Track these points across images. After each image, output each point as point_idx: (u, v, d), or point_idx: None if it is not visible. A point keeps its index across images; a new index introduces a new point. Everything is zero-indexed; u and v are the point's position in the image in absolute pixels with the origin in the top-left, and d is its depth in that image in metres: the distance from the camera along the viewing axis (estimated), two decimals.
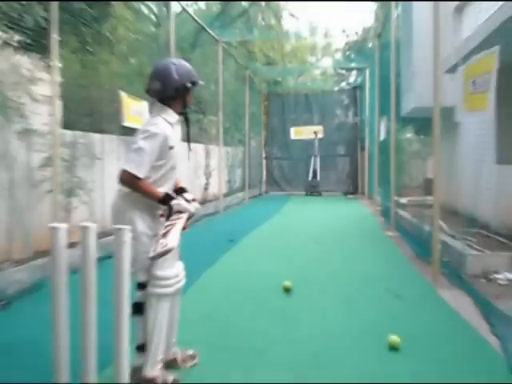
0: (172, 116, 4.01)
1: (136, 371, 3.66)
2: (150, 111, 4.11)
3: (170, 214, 3.81)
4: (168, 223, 3.74)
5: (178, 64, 4.02)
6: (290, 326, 5.07)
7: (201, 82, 4.13)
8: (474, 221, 9.97)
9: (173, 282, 3.89)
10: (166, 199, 3.79)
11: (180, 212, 3.81)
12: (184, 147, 4.15)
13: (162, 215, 3.89)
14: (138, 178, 3.67)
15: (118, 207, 3.89)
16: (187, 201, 3.96)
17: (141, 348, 3.75)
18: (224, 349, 4.49)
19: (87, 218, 8.97)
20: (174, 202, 3.80)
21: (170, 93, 3.96)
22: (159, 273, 3.81)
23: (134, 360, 3.63)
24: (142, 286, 3.78)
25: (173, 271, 3.92)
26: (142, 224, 3.81)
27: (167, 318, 3.91)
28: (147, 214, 3.85)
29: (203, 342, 4.58)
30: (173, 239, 3.61)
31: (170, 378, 3.80)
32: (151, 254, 3.56)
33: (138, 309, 3.74)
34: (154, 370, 3.74)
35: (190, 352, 4.23)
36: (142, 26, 13.24)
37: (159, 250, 3.54)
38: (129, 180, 3.68)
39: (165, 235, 3.65)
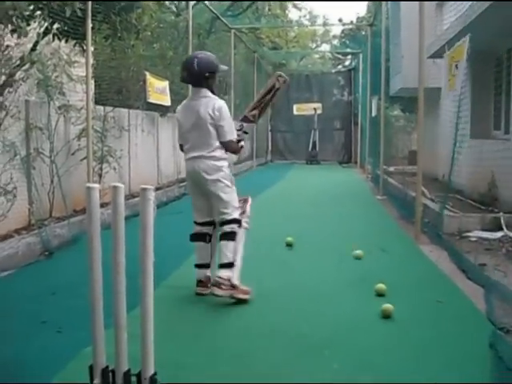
0: None
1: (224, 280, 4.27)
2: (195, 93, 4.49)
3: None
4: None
5: (199, 57, 4.43)
6: (291, 276, 5.11)
7: (223, 68, 4.59)
8: (451, 187, 9.96)
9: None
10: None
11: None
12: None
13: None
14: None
15: (216, 167, 4.38)
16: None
17: (230, 265, 4.32)
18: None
19: (116, 181, 9.00)
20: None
21: (193, 80, 4.45)
22: (248, 213, 4.61)
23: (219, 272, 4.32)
24: (236, 221, 4.41)
25: None
26: (232, 177, 4.53)
27: None
28: (230, 170, 4.54)
29: None
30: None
31: (245, 288, 4.33)
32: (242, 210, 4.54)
33: (233, 237, 4.39)
34: (237, 280, 4.30)
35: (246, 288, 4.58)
36: (164, 15, 13.10)
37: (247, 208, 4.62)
38: (235, 145, 4.48)
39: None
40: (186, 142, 4.51)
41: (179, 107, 4.64)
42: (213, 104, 4.36)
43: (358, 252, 5.80)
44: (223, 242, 4.38)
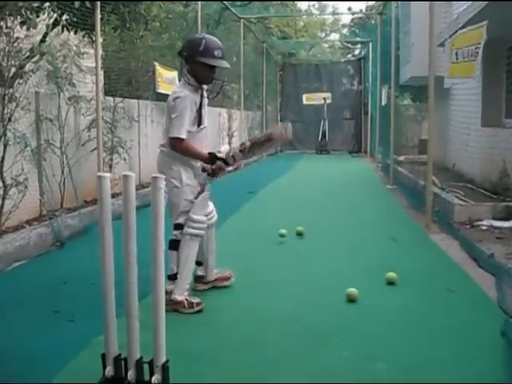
0: None
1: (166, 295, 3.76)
2: None
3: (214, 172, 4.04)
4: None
5: (198, 37, 4.09)
6: (302, 264, 5.11)
7: (220, 63, 3.98)
8: (462, 176, 9.91)
9: (203, 226, 4.04)
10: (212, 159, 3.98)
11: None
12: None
13: (203, 169, 4.04)
14: None
15: (165, 162, 3.98)
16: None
17: (172, 277, 3.91)
18: (244, 284, 4.55)
19: (127, 171, 9.03)
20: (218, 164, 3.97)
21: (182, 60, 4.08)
22: (194, 216, 3.96)
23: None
24: (179, 226, 3.96)
25: (206, 211, 4.12)
26: (185, 176, 3.95)
27: (196, 254, 4.06)
28: (189, 168, 3.99)
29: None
30: None
31: (196, 300, 3.92)
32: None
33: (175, 245, 3.95)
34: (180, 296, 3.88)
35: (227, 273, 4.45)
36: (172, 5, 13.07)
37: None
38: (179, 145, 3.90)
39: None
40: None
41: None
42: (174, 92, 4.01)
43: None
44: (168, 251, 3.83)
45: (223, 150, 4.04)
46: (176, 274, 3.92)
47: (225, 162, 3.97)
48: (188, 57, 3.95)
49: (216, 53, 3.93)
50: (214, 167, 4.00)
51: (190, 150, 3.92)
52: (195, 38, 4.15)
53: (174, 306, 3.81)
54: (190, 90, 3.95)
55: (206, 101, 4.14)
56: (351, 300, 4.04)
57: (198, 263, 4.28)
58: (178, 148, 3.89)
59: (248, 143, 4.03)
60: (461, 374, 2.89)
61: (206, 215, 4.11)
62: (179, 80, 10.54)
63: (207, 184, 4.18)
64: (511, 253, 5.36)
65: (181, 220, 3.97)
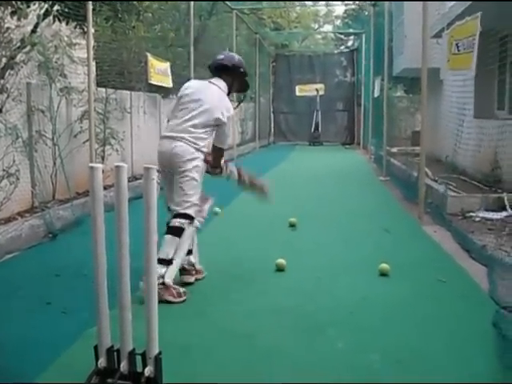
0: None
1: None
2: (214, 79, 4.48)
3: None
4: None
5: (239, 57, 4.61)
6: (295, 256, 5.11)
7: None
8: (454, 168, 9.93)
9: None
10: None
11: None
12: None
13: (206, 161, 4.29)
14: None
15: (191, 153, 4.10)
16: None
17: (166, 262, 3.94)
18: (238, 275, 4.55)
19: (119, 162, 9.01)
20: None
21: (223, 69, 4.42)
22: (204, 214, 4.36)
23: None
24: (188, 217, 4.07)
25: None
26: (203, 172, 4.25)
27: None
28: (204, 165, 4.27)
29: (225, 269, 4.64)
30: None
31: (182, 289, 3.98)
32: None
33: (178, 233, 4.02)
34: (171, 280, 3.94)
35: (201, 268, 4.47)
36: None
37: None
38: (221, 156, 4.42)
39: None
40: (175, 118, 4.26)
41: (190, 83, 4.50)
42: (227, 103, 4.29)
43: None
44: (168, 236, 4.00)
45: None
46: (172, 259, 3.96)
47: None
48: (240, 72, 4.43)
49: None
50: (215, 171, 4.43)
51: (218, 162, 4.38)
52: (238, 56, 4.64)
53: (164, 292, 3.78)
54: None
55: None
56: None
57: (189, 251, 4.26)
58: (221, 155, 4.36)
59: (246, 177, 4.65)
60: (453, 365, 2.91)
61: None
62: (171, 71, 10.57)
63: None
64: (503, 244, 5.38)
65: (191, 211, 4.08)
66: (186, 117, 4.15)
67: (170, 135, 4.17)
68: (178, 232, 4.01)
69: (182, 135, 4.10)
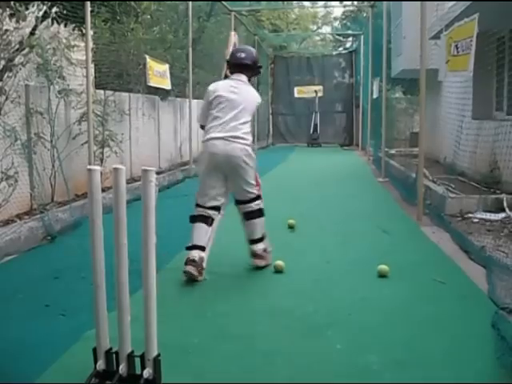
0: None
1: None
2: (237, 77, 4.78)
3: None
4: None
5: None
6: (294, 257, 5.11)
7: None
8: (453, 169, 9.94)
9: None
10: None
11: None
12: None
13: None
14: None
15: (249, 153, 4.58)
16: None
17: (260, 239, 4.68)
18: (237, 276, 4.55)
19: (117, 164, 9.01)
20: None
21: (246, 65, 4.75)
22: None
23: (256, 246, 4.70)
24: (261, 197, 4.71)
25: None
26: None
27: None
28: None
29: (224, 270, 4.64)
30: None
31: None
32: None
33: (262, 212, 4.69)
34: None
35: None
36: None
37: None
38: None
39: None
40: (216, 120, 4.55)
41: (217, 85, 4.72)
42: (254, 91, 4.74)
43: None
44: (254, 221, 4.65)
45: None
46: (264, 236, 4.71)
47: None
48: (258, 67, 4.83)
49: None
50: None
51: None
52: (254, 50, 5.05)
53: (267, 259, 4.73)
54: None
55: None
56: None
57: (200, 247, 4.38)
58: None
59: None
60: (451, 366, 2.90)
61: None
62: (170, 73, 10.58)
63: None
64: (502, 245, 5.39)
65: (260, 192, 4.71)
66: (230, 116, 4.48)
67: (221, 136, 4.44)
68: (261, 212, 4.66)
69: (234, 134, 4.45)
